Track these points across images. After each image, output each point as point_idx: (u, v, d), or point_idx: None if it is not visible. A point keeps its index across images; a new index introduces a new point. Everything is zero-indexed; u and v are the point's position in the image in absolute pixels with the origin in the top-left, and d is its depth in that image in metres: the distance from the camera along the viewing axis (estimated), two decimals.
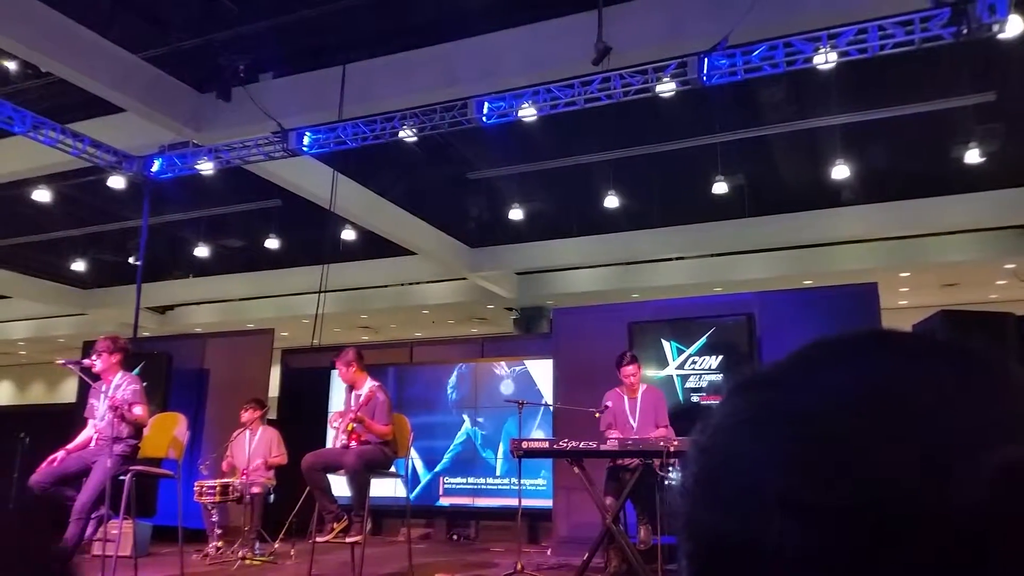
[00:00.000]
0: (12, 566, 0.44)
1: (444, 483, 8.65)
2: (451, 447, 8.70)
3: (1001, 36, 5.80)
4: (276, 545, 6.80)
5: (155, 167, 8.94)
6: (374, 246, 12.94)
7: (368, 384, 5.64)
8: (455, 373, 8.94)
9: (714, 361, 6.92)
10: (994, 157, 9.40)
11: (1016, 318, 7.02)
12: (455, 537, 8.58)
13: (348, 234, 12.41)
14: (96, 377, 5.26)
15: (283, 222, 12.37)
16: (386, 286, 15.76)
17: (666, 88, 6.73)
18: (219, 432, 7.94)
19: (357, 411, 5.42)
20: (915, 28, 5.85)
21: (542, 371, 8.33)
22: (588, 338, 7.54)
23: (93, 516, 4.81)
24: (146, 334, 13.11)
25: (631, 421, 5.84)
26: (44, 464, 4.96)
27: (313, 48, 8.25)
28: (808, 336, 0.42)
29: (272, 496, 6.95)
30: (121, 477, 5.00)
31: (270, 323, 13.80)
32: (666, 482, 4.99)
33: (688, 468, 0.40)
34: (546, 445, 5.71)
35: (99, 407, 5.18)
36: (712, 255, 13.72)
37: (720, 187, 10.22)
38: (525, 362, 8.63)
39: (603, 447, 5.30)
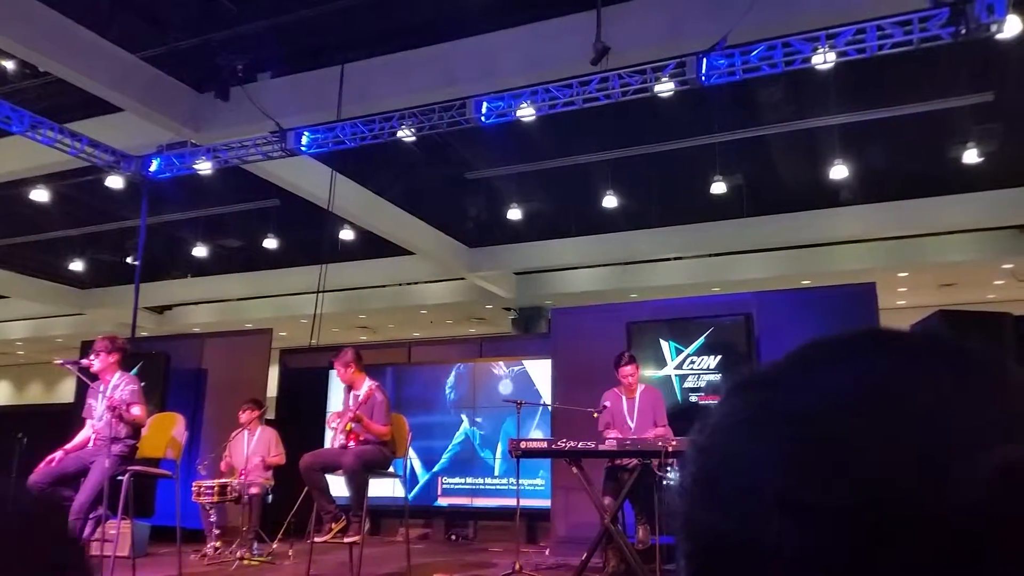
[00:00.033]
0: (33, 559, 0.43)
1: (442, 483, 8.64)
2: (449, 447, 8.69)
3: (999, 36, 5.81)
4: (274, 545, 6.80)
5: (153, 167, 8.93)
6: (372, 246, 12.94)
7: (366, 384, 5.63)
8: (453, 373, 8.94)
9: (712, 361, 6.92)
10: (992, 157, 9.41)
11: (1014, 318, 7.03)
12: (453, 537, 8.58)
13: (346, 234, 12.41)
14: (94, 377, 5.26)
15: (281, 222, 12.37)
16: (384, 286, 15.76)
17: (664, 88, 6.73)
18: (217, 432, 7.93)
19: (355, 411, 5.42)
20: (914, 28, 5.86)
21: (540, 371, 8.33)
22: (586, 338, 7.55)
23: (91, 516, 4.80)
24: (144, 334, 13.10)
25: (629, 421, 5.84)
26: (42, 464, 4.96)
27: (311, 48, 8.25)
28: (806, 336, 0.42)
29: (270, 496, 6.95)
30: (119, 477, 4.99)
31: (268, 323, 13.80)
32: (664, 482, 4.99)
33: (686, 468, 0.40)
34: (544, 445, 5.72)
35: (97, 407, 5.17)
36: (710, 255, 13.73)
37: (718, 187, 10.22)
38: (523, 362, 8.63)
39: (601, 447, 5.30)
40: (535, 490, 8.02)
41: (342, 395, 5.97)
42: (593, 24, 6.77)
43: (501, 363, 8.76)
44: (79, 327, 17.74)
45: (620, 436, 5.52)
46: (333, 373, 8.08)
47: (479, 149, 10.10)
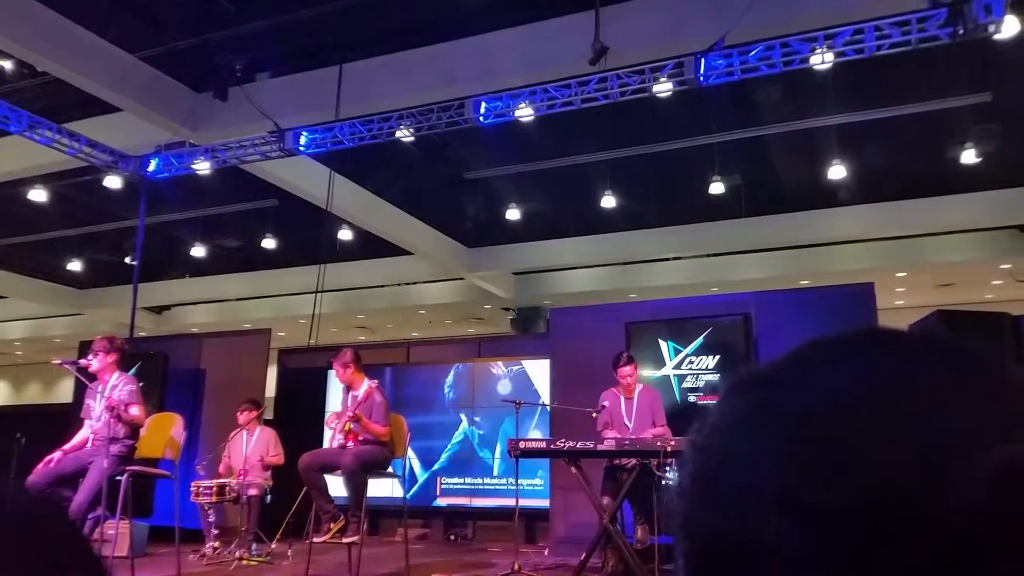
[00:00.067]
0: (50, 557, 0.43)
1: (441, 483, 8.64)
2: (448, 447, 8.69)
3: (997, 36, 5.81)
4: (273, 545, 6.79)
5: (151, 167, 8.92)
6: (371, 246, 12.93)
7: (365, 384, 5.63)
8: (452, 373, 8.94)
9: (711, 361, 6.93)
10: (990, 157, 9.42)
11: (1012, 318, 7.03)
12: (452, 537, 8.57)
13: (345, 234, 12.40)
14: (92, 377, 5.25)
15: (280, 222, 12.36)
16: (383, 286, 15.76)
17: (663, 88, 6.73)
18: (216, 432, 7.93)
19: (354, 410, 5.42)
20: (912, 28, 5.86)
21: (539, 371, 8.33)
22: (585, 338, 7.55)
23: (90, 517, 4.80)
24: (142, 334, 13.08)
25: (627, 422, 5.84)
26: (41, 465, 4.95)
27: (310, 48, 8.25)
28: (805, 336, 0.42)
29: (269, 496, 6.94)
30: (118, 477, 4.99)
31: (267, 323, 13.80)
32: (663, 482, 4.99)
33: (685, 468, 0.40)
34: (543, 445, 5.72)
35: (95, 407, 5.17)
36: (709, 255, 13.73)
37: (717, 187, 10.23)
38: (522, 362, 8.63)
39: (600, 447, 5.30)
40: (534, 490, 8.03)
41: (341, 395, 5.97)
42: (591, 24, 6.77)
43: (500, 363, 8.77)
44: (77, 327, 17.73)
45: (618, 436, 5.52)
46: (332, 373, 8.08)
47: (478, 149, 10.10)
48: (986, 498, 0.32)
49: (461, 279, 14.60)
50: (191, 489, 6.67)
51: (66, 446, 5.15)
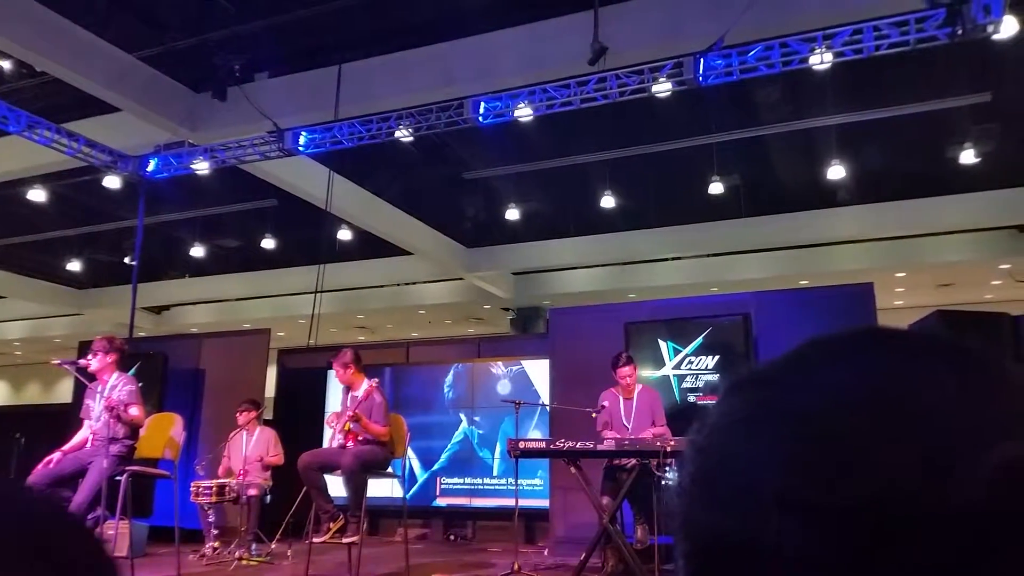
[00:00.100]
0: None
1: (441, 483, 8.64)
2: (448, 447, 8.69)
3: (996, 37, 5.81)
4: (273, 545, 6.79)
5: (151, 167, 8.92)
6: (370, 246, 12.93)
7: (365, 384, 5.63)
8: (452, 373, 8.94)
9: (711, 361, 6.93)
10: (989, 157, 9.42)
11: (1011, 318, 7.04)
12: (452, 537, 8.57)
13: (344, 234, 12.40)
14: (92, 377, 5.25)
15: (279, 222, 12.36)
16: (382, 286, 15.75)
17: (662, 88, 6.73)
18: (215, 432, 7.93)
19: (354, 410, 5.42)
20: (910, 29, 5.86)
21: (539, 371, 8.33)
22: (585, 338, 7.55)
23: (89, 517, 4.79)
24: (142, 334, 13.07)
25: (626, 423, 5.84)
26: (40, 465, 4.95)
27: (309, 48, 8.24)
28: (804, 336, 0.41)
29: (268, 496, 6.94)
30: (117, 477, 4.99)
31: (266, 323, 13.80)
32: (663, 482, 4.99)
33: (685, 467, 0.40)
34: (543, 445, 5.71)
35: (95, 407, 5.17)
36: (708, 255, 13.74)
37: (716, 187, 10.23)
38: (522, 362, 8.63)
39: (600, 447, 5.30)
40: (534, 490, 8.03)
41: (340, 395, 5.97)
42: (591, 24, 6.77)
43: (499, 363, 8.77)
44: (77, 327, 17.72)
45: (618, 436, 5.52)
46: (331, 373, 8.08)
47: (477, 149, 10.10)
48: (988, 497, 0.32)
49: (460, 279, 14.60)
50: (191, 489, 6.66)
51: (65, 446, 5.15)
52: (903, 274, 13.60)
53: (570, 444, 5.33)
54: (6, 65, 8.25)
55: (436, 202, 11.91)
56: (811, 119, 9.00)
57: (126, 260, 13.15)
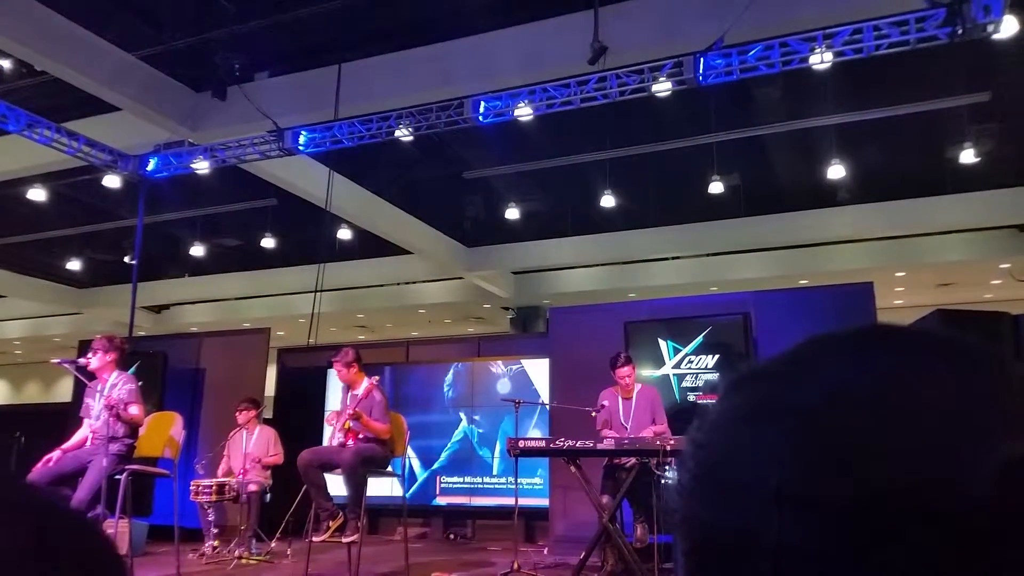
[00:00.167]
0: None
1: (441, 482, 8.65)
2: (448, 446, 8.70)
3: (996, 36, 5.81)
4: (272, 544, 6.80)
5: (150, 166, 8.92)
6: (370, 245, 12.93)
7: (365, 383, 5.63)
8: (451, 372, 8.94)
9: (710, 360, 6.93)
10: (989, 157, 9.42)
11: (1012, 317, 7.04)
12: (452, 536, 8.58)
13: (344, 233, 12.40)
14: (91, 376, 5.25)
15: (279, 221, 12.36)
16: (382, 285, 15.75)
17: (662, 88, 6.73)
18: (215, 431, 7.93)
19: (354, 408, 5.42)
20: (910, 28, 5.86)
21: (538, 370, 8.33)
22: (584, 337, 7.55)
23: (89, 515, 4.80)
24: (141, 333, 13.06)
25: (624, 422, 5.85)
26: (40, 464, 4.95)
27: (309, 47, 8.24)
28: (804, 336, 0.41)
29: (268, 495, 6.95)
30: (117, 476, 4.99)
31: (266, 322, 13.80)
32: (662, 481, 5.00)
33: (685, 464, 0.40)
34: (543, 444, 5.72)
35: (95, 406, 5.17)
36: (708, 255, 13.73)
37: (716, 187, 10.22)
38: (521, 361, 8.63)
39: (599, 446, 5.30)
40: (533, 489, 8.03)
41: (340, 394, 5.97)
42: (591, 24, 6.77)
43: (499, 362, 8.77)
44: (77, 326, 17.72)
45: (618, 436, 5.53)
46: (331, 372, 8.08)
47: (477, 149, 10.09)
48: (994, 495, 0.31)
49: (460, 278, 14.59)
50: (190, 488, 6.67)
51: (65, 445, 5.15)
52: (903, 273, 13.60)
53: (570, 443, 5.34)
54: (6, 64, 8.25)
55: (436, 201, 11.91)
56: (811, 119, 9.00)
57: (126, 259, 13.14)
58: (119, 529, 5.95)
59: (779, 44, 6.28)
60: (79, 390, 6.21)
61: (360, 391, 5.57)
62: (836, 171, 9.82)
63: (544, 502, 7.69)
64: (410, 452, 8.17)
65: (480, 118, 7.38)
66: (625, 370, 5.84)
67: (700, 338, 6.97)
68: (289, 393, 9.57)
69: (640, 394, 5.95)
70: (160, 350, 8.77)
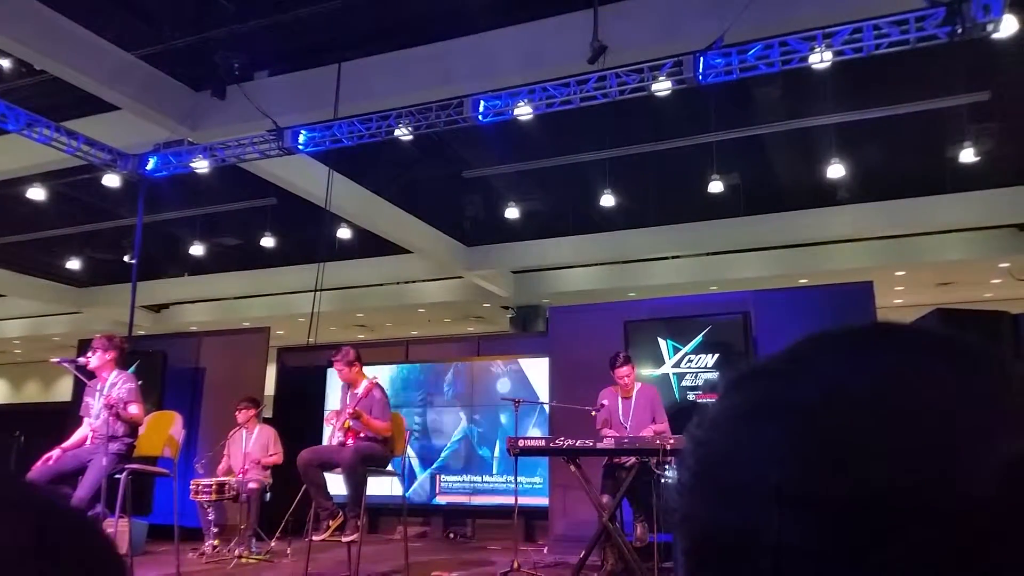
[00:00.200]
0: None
1: (440, 481, 8.65)
2: (448, 445, 8.70)
3: (996, 36, 5.81)
4: (272, 543, 6.80)
5: (150, 165, 8.91)
6: (370, 245, 12.93)
7: (365, 381, 5.63)
8: (451, 371, 8.94)
9: (710, 359, 6.93)
10: (989, 156, 9.42)
11: (1011, 316, 7.04)
12: (452, 535, 8.58)
13: (344, 232, 12.40)
14: (91, 375, 5.25)
15: (278, 220, 12.35)
16: (382, 285, 15.75)
17: (662, 87, 6.73)
18: (215, 431, 7.93)
19: (354, 407, 5.42)
20: (910, 27, 5.86)
21: (538, 369, 8.33)
22: (584, 337, 7.55)
23: (89, 514, 4.80)
24: (141, 333, 13.07)
25: (624, 422, 5.85)
26: (39, 463, 4.96)
27: (308, 46, 8.24)
28: (803, 334, 0.41)
29: (268, 494, 6.95)
30: (117, 475, 4.99)
31: (266, 321, 13.79)
32: (662, 480, 5.00)
33: (685, 462, 0.40)
34: (542, 443, 5.72)
35: (94, 405, 5.17)
36: (708, 254, 13.73)
37: (716, 186, 10.22)
38: (521, 360, 8.63)
39: (599, 445, 5.31)
40: (533, 488, 8.03)
41: (340, 393, 5.97)
42: (590, 23, 6.77)
43: (499, 361, 8.77)
44: (76, 326, 17.72)
45: (617, 435, 5.53)
46: (331, 371, 8.08)
47: (476, 148, 10.09)
48: (994, 494, 0.31)
49: (460, 278, 14.59)
50: (190, 487, 6.67)
51: (65, 444, 5.15)
52: (903, 273, 13.60)
53: (570, 442, 5.34)
54: (5, 63, 8.25)
55: (436, 201, 11.91)
56: (811, 118, 9.00)
57: (125, 258, 13.14)
58: (119, 528, 5.95)
59: (779, 43, 6.28)
60: (79, 389, 6.21)
61: (360, 390, 5.57)
62: (836, 170, 9.82)
63: (544, 501, 7.70)
64: (410, 451, 8.17)
65: (480, 117, 7.38)
66: (624, 370, 5.84)
67: (700, 337, 6.98)
68: (289, 392, 9.57)
69: (640, 393, 5.95)
70: (160, 349, 8.77)
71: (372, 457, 5.46)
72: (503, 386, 8.53)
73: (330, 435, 5.71)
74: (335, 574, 5.84)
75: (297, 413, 8.89)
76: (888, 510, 0.32)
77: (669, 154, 9.79)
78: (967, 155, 9.32)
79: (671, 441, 5.02)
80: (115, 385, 5.14)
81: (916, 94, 8.42)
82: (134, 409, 5.09)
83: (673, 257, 13.96)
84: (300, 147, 8.15)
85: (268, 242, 12.91)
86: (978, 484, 0.32)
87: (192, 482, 6.73)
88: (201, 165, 8.74)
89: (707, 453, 0.39)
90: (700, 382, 6.92)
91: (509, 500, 6.94)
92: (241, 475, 6.80)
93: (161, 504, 7.71)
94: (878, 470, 0.33)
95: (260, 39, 7.87)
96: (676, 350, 7.03)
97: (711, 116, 8.91)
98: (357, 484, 5.26)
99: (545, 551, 7.20)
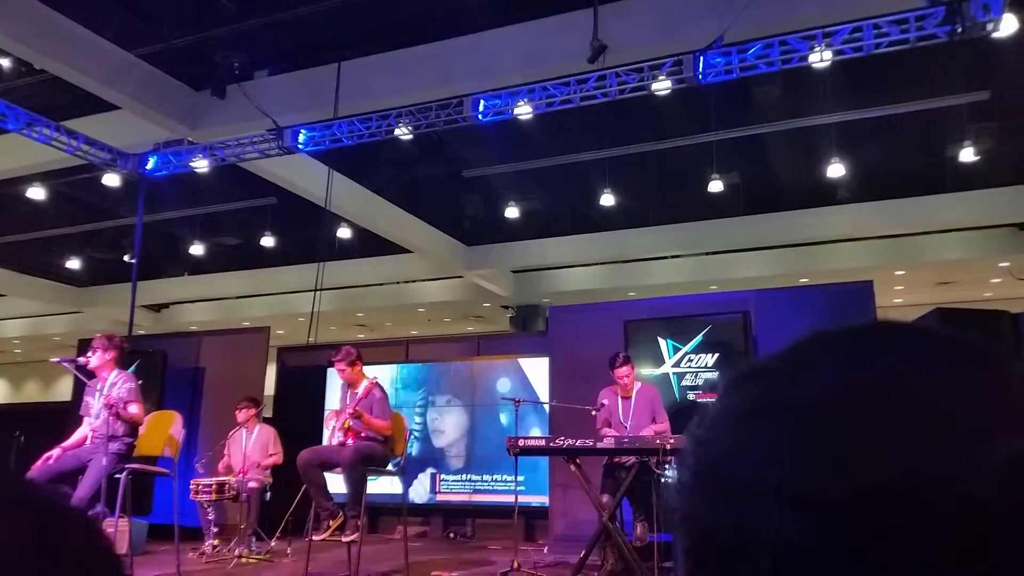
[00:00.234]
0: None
1: (441, 481, 8.65)
2: (447, 444, 8.70)
3: (996, 35, 5.81)
4: (272, 543, 6.80)
5: (150, 165, 8.91)
6: (370, 244, 12.93)
7: (365, 381, 5.63)
8: (451, 371, 8.94)
9: (710, 359, 6.93)
10: (989, 155, 9.42)
11: (1011, 316, 7.04)
12: (452, 535, 8.58)
13: (344, 232, 12.40)
14: (91, 375, 5.25)
15: (278, 220, 12.36)
16: (382, 284, 15.75)
17: (662, 86, 6.73)
18: (215, 430, 7.93)
19: (355, 406, 5.42)
20: (910, 27, 5.86)
21: (538, 369, 8.33)
22: (584, 336, 7.55)
23: (88, 514, 4.80)
24: (141, 332, 13.07)
25: (624, 422, 5.85)
26: (39, 462, 4.95)
27: (308, 45, 8.24)
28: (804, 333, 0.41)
29: (268, 494, 6.95)
30: (117, 475, 4.99)
31: (266, 321, 13.78)
32: (662, 479, 5.00)
33: (685, 461, 0.40)
34: (542, 443, 5.72)
35: (94, 405, 5.17)
36: (708, 253, 13.74)
37: (716, 185, 10.22)
38: (521, 360, 8.63)
39: (599, 445, 5.31)
40: (533, 488, 8.03)
41: (339, 392, 5.97)
42: (590, 22, 6.77)
43: (499, 361, 8.77)
44: (76, 325, 17.72)
45: (617, 434, 5.53)
46: (331, 371, 8.08)
47: (476, 147, 10.09)
48: (994, 494, 0.31)
49: (460, 277, 14.60)
50: (190, 487, 6.67)
51: (65, 443, 5.15)
52: (903, 272, 13.60)
53: (570, 442, 5.34)
54: (5, 63, 8.24)
55: (436, 200, 11.91)
56: (810, 117, 9.00)
57: (125, 258, 13.14)
58: (119, 528, 5.96)
59: (779, 43, 6.28)
60: (79, 389, 6.21)
61: (360, 390, 5.56)
62: (836, 170, 9.82)
63: (544, 501, 7.69)
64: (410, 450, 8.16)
65: (480, 117, 7.38)
66: (624, 370, 5.84)
67: (700, 337, 6.98)
68: (289, 392, 9.57)
69: (640, 393, 5.95)
70: (160, 349, 8.77)
71: (372, 457, 5.46)
72: (503, 386, 8.53)
73: (330, 435, 5.71)
74: (335, 574, 5.84)
75: (297, 413, 8.89)
76: (888, 510, 0.32)
77: (669, 153, 9.79)
78: (967, 154, 9.32)
79: (671, 441, 5.02)
80: (115, 385, 5.14)
81: (916, 93, 8.42)
82: (134, 409, 5.09)
83: (673, 256, 13.96)
84: (300, 146, 8.15)
85: (268, 242, 12.91)
86: (978, 484, 0.32)
87: (192, 482, 6.73)
88: (201, 164, 8.74)
89: (707, 452, 0.39)
90: (700, 382, 6.92)
91: (509, 499, 6.95)
92: (241, 475, 6.80)
93: (161, 504, 7.71)
94: (878, 469, 0.33)
95: (260, 38, 7.87)
96: (676, 350, 7.03)
97: (711, 115, 8.91)
98: (357, 484, 5.26)
99: (545, 550, 7.20)
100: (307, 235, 12.01)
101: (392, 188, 11.40)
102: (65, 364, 5.24)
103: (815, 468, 0.34)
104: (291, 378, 9.64)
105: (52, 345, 19.29)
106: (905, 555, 0.32)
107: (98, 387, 5.19)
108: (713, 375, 6.89)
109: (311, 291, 9.79)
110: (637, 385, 5.99)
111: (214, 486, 6.62)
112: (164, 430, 5.65)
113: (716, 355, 6.91)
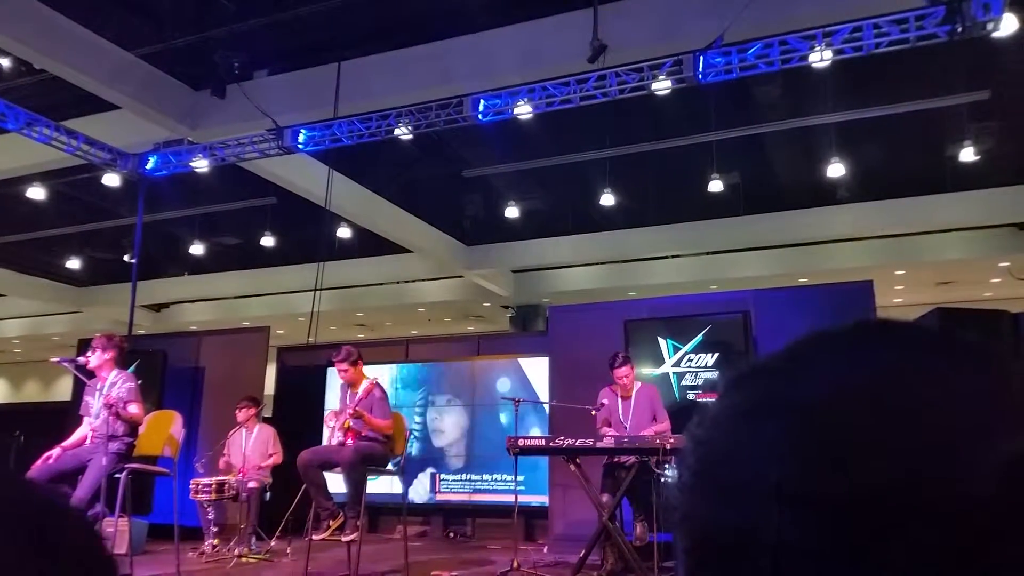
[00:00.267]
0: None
1: (440, 480, 8.65)
2: (447, 444, 8.70)
3: (996, 35, 5.81)
4: (272, 543, 6.80)
5: (150, 164, 8.91)
6: (370, 244, 12.93)
7: (365, 382, 5.63)
8: (451, 371, 8.93)
9: (710, 359, 6.93)
10: (989, 155, 9.42)
11: (1011, 316, 7.04)
12: (452, 535, 8.58)
13: (344, 232, 12.40)
14: (90, 374, 5.25)
15: (278, 220, 12.35)
16: (382, 284, 15.75)
17: (662, 86, 6.73)
18: (215, 430, 7.93)
19: (355, 406, 5.42)
20: (910, 26, 5.86)
21: (538, 369, 8.33)
22: (584, 336, 7.55)
23: (88, 514, 4.80)
24: (141, 332, 13.07)
25: (623, 421, 5.85)
26: (39, 462, 4.95)
27: (308, 45, 8.24)
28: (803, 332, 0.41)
29: (268, 494, 6.95)
30: (117, 475, 4.99)
31: (266, 321, 13.78)
32: (662, 479, 5.00)
33: (685, 461, 0.40)
34: (542, 443, 5.72)
35: (94, 404, 5.17)
36: (708, 253, 13.73)
37: (716, 185, 10.22)
38: (521, 360, 8.63)
39: (599, 444, 5.31)
40: (533, 488, 8.03)
41: (339, 392, 5.97)
42: (590, 22, 6.77)
43: (499, 361, 8.77)
44: (76, 325, 17.72)
45: (617, 434, 5.53)
46: (331, 371, 8.08)
47: (476, 147, 10.09)
48: (994, 493, 0.31)
49: (460, 277, 14.59)
50: (190, 487, 6.67)
51: (65, 443, 5.15)
52: (903, 272, 13.60)
53: (569, 441, 5.34)
54: (5, 62, 8.24)
55: (435, 200, 11.91)
56: (810, 117, 9.00)
57: (125, 258, 13.14)
58: (119, 528, 5.96)
59: (779, 42, 6.28)
60: (78, 389, 6.21)
61: (360, 390, 5.56)
62: (836, 169, 9.82)
63: (544, 500, 7.70)
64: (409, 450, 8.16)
65: (479, 116, 7.38)
66: (623, 370, 5.84)
67: (700, 336, 6.98)
68: (289, 391, 9.57)
69: (639, 393, 5.95)
70: (159, 349, 8.77)
71: (372, 457, 5.46)
72: (503, 386, 8.53)
73: (330, 435, 5.71)
74: (335, 574, 5.84)
75: (297, 413, 8.90)
76: (888, 509, 0.32)
77: (669, 153, 9.79)
78: (967, 154, 9.32)
79: (671, 440, 5.02)
80: (115, 384, 5.14)
81: (916, 93, 8.42)
82: (134, 408, 5.09)
83: (673, 256, 13.96)
84: (300, 146, 8.15)
85: (268, 241, 12.91)
86: (978, 483, 0.32)
87: (192, 481, 6.74)
88: (201, 164, 8.74)
89: (707, 452, 0.39)
90: (700, 381, 6.92)
91: (509, 499, 6.95)
92: (241, 475, 6.80)
93: (161, 503, 7.72)
94: (878, 469, 0.33)
95: (260, 38, 7.87)
96: (676, 349, 7.03)
97: (711, 115, 8.90)
98: (357, 483, 5.26)
99: (545, 550, 7.20)
100: (307, 235, 12.01)
101: (392, 188, 11.40)
102: (65, 364, 5.24)
103: (815, 467, 0.34)
104: (291, 378, 9.64)
105: (52, 345, 19.28)
106: (905, 554, 0.32)
107: (98, 387, 5.19)
108: (713, 375, 6.89)
109: (311, 291, 9.79)
110: (637, 385, 5.99)
111: (214, 486, 6.62)
112: (164, 430, 5.65)
113: (716, 355, 6.91)
